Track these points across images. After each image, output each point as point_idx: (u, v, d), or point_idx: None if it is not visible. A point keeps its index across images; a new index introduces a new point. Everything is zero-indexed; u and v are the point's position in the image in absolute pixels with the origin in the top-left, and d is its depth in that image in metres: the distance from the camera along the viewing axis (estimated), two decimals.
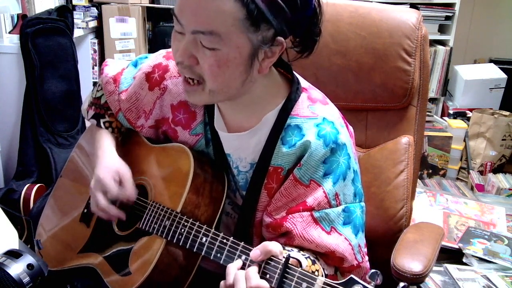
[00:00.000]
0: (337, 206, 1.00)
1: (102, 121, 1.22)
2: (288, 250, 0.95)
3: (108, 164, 1.11)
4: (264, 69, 0.95)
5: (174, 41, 0.94)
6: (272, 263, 0.87)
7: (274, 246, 0.87)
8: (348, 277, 0.81)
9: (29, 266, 0.84)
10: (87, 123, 1.72)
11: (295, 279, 0.84)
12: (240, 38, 0.88)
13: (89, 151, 1.24)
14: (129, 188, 1.08)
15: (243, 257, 0.91)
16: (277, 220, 1.01)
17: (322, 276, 0.94)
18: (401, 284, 0.78)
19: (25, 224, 2.02)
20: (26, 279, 0.83)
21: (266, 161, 1.02)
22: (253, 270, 0.85)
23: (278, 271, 0.85)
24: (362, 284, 0.78)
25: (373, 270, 0.80)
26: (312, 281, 0.83)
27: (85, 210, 1.20)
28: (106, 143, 1.16)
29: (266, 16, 0.87)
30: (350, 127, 1.10)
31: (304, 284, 0.83)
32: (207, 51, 0.89)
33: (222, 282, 0.88)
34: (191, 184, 1.01)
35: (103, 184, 1.07)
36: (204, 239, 0.97)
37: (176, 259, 1.00)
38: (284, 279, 0.85)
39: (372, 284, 0.79)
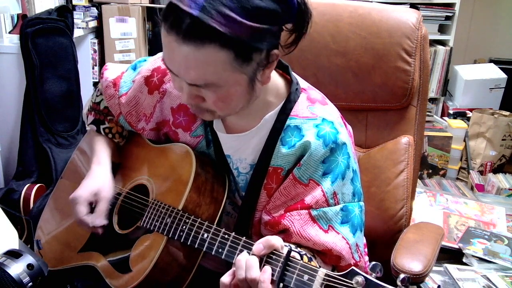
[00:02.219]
0: (335, 205, 1.01)
1: (102, 127, 1.22)
2: (286, 246, 0.95)
3: (92, 182, 1.12)
4: (266, 80, 0.96)
5: (173, 81, 0.97)
6: (274, 256, 0.87)
7: (276, 240, 0.87)
8: (349, 268, 0.81)
9: (29, 266, 0.84)
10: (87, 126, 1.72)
11: (296, 271, 0.84)
12: (236, 76, 0.89)
13: (89, 155, 1.24)
14: (99, 213, 1.09)
15: (245, 251, 0.91)
16: (275, 218, 1.01)
17: None
18: (402, 275, 0.79)
19: (25, 224, 2.02)
20: (26, 279, 0.83)
21: (266, 161, 1.03)
22: (254, 259, 0.85)
23: (280, 264, 0.86)
24: (363, 275, 0.78)
25: (374, 262, 0.80)
26: (313, 273, 0.83)
27: None
28: (101, 155, 1.17)
29: (254, 45, 0.86)
30: (349, 127, 1.10)
31: (306, 276, 0.83)
32: (208, 92, 0.91)
33: (222, 278, 0.88)
34: (192, 183, 1.02)
35: (74, 204, 1.09)
36: (205, 235, 0.97)
37: (176, 258, 1.00)
38: (285, 272, 0.85)
39: (373, 276, 0.79)
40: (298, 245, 1.01)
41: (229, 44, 0.83)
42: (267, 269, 0.85)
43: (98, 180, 1.12)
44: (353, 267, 0.81)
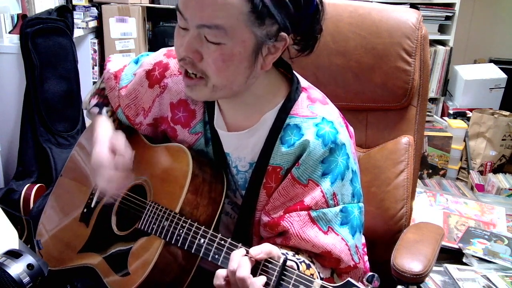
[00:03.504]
0: (334, 206, 1.00)
1: (105, 109, 1.21)
2: (284, 254, 0.95)
3: (102, 139, 1.10)
4: (267, 65, 0.95)
5: (177, 37, 0.94)
6: (270, 265, 0.86)
7: (274, 248, 0.87)
8: (346, 280, 0.80)
9: (29, 266, 0.84)
10: (87, 123, 1.71)
11: (292, 281, 0.84)
12: (245, 33, 0.88)
13: (89, 149, 1.24)
14: (123, 153, 1.07)
15: (243, 248, 0.90)
16: (274, 219, 1.01)
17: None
18: (399, 287, 0.78)
19: (25, 224, 2.02)
20: (26, 279, 0.83)
21: (265, 160, 1.02)
22: (246, 260, 0.84)
23: (276, 273, 0.85)
24: (359, 287, 0.78)
25: (370, 273, 0.80)
26: (309, 284, 0.83)
27: (85, 210, 1.20)
28: (104, 125, 1.15)
29: (271, 10, 0.87)
30: (351, 127, 1.10)
31: (301, 287, 0.83)
32: (211, 45, 0.89)
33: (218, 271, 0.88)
34: (189, 184, 1.01)
35: (99, 160, 1.07)
36: (202, 240, 0.96)
37: (175, 260, 1.00)
38: (281, 281, 0.85)
39: (369, 287, 0.78)
40: (297, 250, 1.01)
41: None
42: (262, 277, 0.84)
43: (106, 136, 1.11)
44: (349, 279, 0.81)
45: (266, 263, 0.87)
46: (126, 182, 1.10)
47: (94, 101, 1.23)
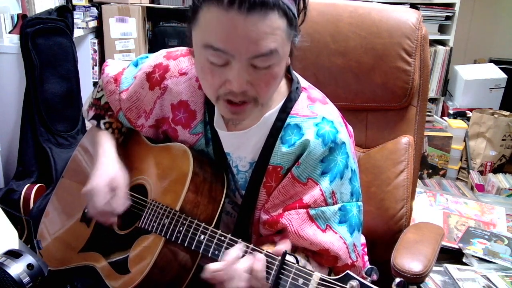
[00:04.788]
0: (333, 204, 1.01)
1: (102, 122, 1.22)
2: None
3: (105, 171, 1.11)
4: (282, 70, 0.96)
5: (208, 74, 0.91)
6: (269, 259, 0.88)
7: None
8: (344, 272, 0.81)
9: (29, 266, 0.84)
10: (87, 123, 1.72)
11: (291, 275, 0.85)
12: (288, 47, 0.91)
13: (91, 151, 1.24)
14: (120, 198, 1.08)
15: (238, 246, 0.92)
16: (273, 217, 1.02)
17: None
18: (397, 279, 0.79)
19: (25, 224, 2.02)
20: (26, 279, 0.83)
21: (266, 160, 1.03)
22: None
23: (275, 267, 0.86)
24: (358, 280, 0.79)
25: (369, 266, 0.80)
26: (308, 277, 0.84)
27: (86, 210, 1.20)
28: (107, 147, 1.16)
29: (296, 20, 0.90)
30: (350, 127, 1.10)
31: (301, 280, 0.84)
32: (261, 71, 0.89)
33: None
34: (190, 183, 1.01)
35: (92, 195, 1.08)
36: (202, 236, 0.97)
37: (175, 258, 1.00)
38: (280, 275, 0.86)
39: (368, 279, 0.79)
40: (294, 248, 1.01)
41: (284, 12, 0.86)
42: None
43: (110, 169, 1.11)
44: (348, 271, 0.81)
45: (266, 257, 0.88)
46: (114, 218, 1.10)
47: (92, 113, 1.24)
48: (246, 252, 0.92)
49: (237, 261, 0.89)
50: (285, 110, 1.02)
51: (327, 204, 1.00)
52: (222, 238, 0.95)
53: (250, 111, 0.95)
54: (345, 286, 0.79)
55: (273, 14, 0.84)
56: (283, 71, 0.94)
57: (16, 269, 0.83)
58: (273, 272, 0.86)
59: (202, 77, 0.94)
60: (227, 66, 0.88)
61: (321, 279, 0.82)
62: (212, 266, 0.89)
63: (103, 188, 1.07)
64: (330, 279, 0.81)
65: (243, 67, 0.87)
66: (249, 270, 0.88)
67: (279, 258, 0.86)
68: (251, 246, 0.92)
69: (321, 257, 1.02)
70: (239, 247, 0.92)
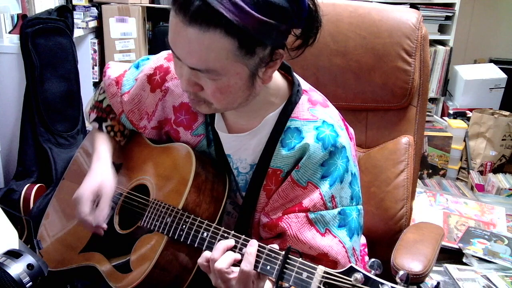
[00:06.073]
0: (333, 208, 1.00)
1: (104, 125, 1.22)
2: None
3: (93, 178, 1.11)
4: (268, 79, 0.95)
5: (175, 66, 0.95)
6: (273, 254, 0.88)
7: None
8: (348, 265, 0.81)
9: (29, 266, 0.84)
10: (87, 124, 1.72)
11: (295, 269, 0.85)
12: (237, 67, 0.88)
13: (91, 153, 1.24)
14: (101, 209, 1.09)
15: (244, 249, 0.92)
16: (273, 220, 1.01)
17: None
18: (401, 272, 0.79)
19: (25, 224, 2.02)
20: (26, 279, 0.83)
21: (266, 163, 1.03)
22: (229, 254, 0.90)
23: (279, 262, 0.86)
24: (362, 272, 0.79)
25: (372, 259, 0.80)
26: (312, 270, 0.84)
27: None
28: (102, 152, 1.17)
29: (259, 39, 0.86)
30: (351, 129, 1.10)
31: (305, 274, 0.84)
32: (208, 80, 0.90)
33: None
34: (192, 182, 1.02)
35: (77, 204, 1.09)
36: (205, 234, 0.97)
37: (177, 257, 1.01)
38: (284, 269, 0.86)
39: (372, 273, 0.79)
40: None
41: (234, 33, 0.82)
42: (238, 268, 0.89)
43: (98, 176, 1.12)
44: (351, 264, 0.81)
45: (270, 252, 0.88)
46: (98, 229, 1.10)
47: (93, 115, 1.24)
48: (238, 243, 0.93)
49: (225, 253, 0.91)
50: (286, 113, 1.02)
51: (326, 208, 1.00)
52: (225, 234, 0.95)
53: (205, 108, 0.97)
54: (349, 278, 0.79)
55: (216, 32, 0.82)
56: (235, 88, 0.91)
57: (16, 269, 0.83)
58: (277, 267, 0.86)
59: (175, 70, 0.97)
60: (183, 63, 0.91)
61: (325, 272, 0.82)
62: (205, 254, 0.92)
63: (89, 196, 1.08)
64: (335, 272, 0.82)
65: (191, 72, 0.90)
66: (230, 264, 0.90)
67: (283, 253, 0.87)
68: (243, 236, 0.93)
69: (321, 263, 1.01)
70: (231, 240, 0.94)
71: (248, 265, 0.87)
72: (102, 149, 1.17)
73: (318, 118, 1.02)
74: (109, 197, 1.10)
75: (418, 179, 1.74)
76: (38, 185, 2.10)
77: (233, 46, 0.84)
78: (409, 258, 1.08)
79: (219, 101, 0.93)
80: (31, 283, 0.83)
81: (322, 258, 1.00)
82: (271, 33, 0.86)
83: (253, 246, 0.89)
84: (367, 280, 0.78)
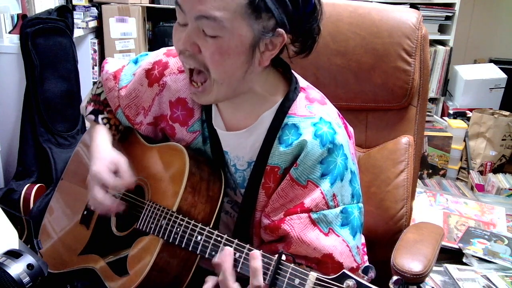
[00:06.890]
0: (335, 207, 1.00)
1: (100, 117, 1.21)
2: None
3: (102, 155, 1.10)
4: (265, 61, 0.95)
5: (176, 33, 0.95)
6: (265, 259, 0.88)
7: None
8: (340, 272, 0.81)
9: (29, 266, 0.84)
10: (87, 123, 1.72)
11: (287, 275, 0.85)
12: (242, 26, 0.89)
13: (88, 157, 1.24)
14: (126, 176, 1.07)
15: (237, 254, 0.92)
16: (275, 222, 1.01)
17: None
18: (394, 277, 0.79)
19: (25, 224, 2.02)
20: (26, 279, 0.83)
21: (264, 160, 1.02)
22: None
23: (271, 267, 0.86)
24: (354, 279, 0.78)
25: (366, 265, 0.80)
26: (304, 276, 0.84)
27: (85, 212, 1.20)
28: (101, 137, 1.16)
29: (268, 4, 0.88)
30: (350, 128, 1.10)
31: (297, 280, 0.84)
32: (209, 39, 0.90)
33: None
34: (186, 182, 1.01)
35: (99, 178, 1.06)
36: (199, 237, 0.97)
37: (174, 259, 1.00)
38: (277, 276, 0.86)
39: (365, 278, 0.79)
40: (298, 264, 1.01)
41: None
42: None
43: (107, 154, 1.10)
44: (344, 270, 0.81)
45: (262, 258, 0.88)
46: (116, 206, 1.08)
47: (90, 108, 1.23)
48: (242, 252, 0.92)
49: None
50: (283, 109, 1.02)
51: (328, 207, 0.99)
52: (219, 238, 0.95)
53: (206, 94, 0.97)
54: (342, 285, 0.79)
55: None
56: (235, 53, 0.91)
57: (16, 269, 0.83)
58: (269, 273, 0.87)
59: (173, 38, 0.97)
60: (185, 27, 0.92)
61: (317, 279, 0.82)
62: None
63: (106, 169, 1.07)
64: (327, 278, 0.82)
65: (193, 29, 0.90)
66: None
67: (275, 258, 0.87)
68: (247, 246, 0.92)
69: (326, 266, 1.00)
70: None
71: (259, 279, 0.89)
72: (102, 137, 1.16)
73: (316, 115, 1.01)
74: (125, 163, 1.08)
75: (418, 179, 1.74)
76: (38, 185, 2.10)
77: (243, 1, 0.87)
78: (409, 258, 1.07)
79: (217, 66, 0.92)
80: (31, 283, 0.83)
81: (327, 260, 0.99)
82: (279, 6, 0.89)
83: (256, 259, 0.89)
84: (359, 286, 0.78)
